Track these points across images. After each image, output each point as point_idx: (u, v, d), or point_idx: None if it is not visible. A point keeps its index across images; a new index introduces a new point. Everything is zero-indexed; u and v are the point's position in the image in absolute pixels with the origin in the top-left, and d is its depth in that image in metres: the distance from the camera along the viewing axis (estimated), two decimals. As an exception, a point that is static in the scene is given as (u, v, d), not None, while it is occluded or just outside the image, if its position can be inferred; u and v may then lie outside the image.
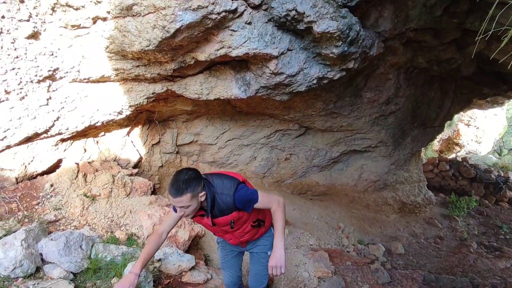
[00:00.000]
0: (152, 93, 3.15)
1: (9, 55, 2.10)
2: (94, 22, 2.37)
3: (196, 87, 3.20)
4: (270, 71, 2.86)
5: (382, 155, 6.09)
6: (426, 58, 4.36)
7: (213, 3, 2.22)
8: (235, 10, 2.37)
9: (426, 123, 6.04)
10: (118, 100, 3.00)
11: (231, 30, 2.52)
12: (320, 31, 2.49)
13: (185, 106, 3.93)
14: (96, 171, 3.06)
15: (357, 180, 6.44)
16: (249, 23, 2.49)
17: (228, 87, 3.14)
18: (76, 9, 2.25)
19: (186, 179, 1.66)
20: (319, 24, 2.47)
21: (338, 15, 2.46)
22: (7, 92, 2.22)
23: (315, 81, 3.08)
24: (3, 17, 2.01)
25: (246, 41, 2.55)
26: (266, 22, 2.55)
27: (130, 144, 3.88)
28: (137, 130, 4.03)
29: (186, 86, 3.22)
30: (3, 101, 2.26)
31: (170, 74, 2.93)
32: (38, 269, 1.92)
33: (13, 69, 2.18)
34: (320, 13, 2.43)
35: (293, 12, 2.43)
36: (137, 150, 4.01)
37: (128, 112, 3.15)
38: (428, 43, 3.96)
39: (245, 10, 2.41)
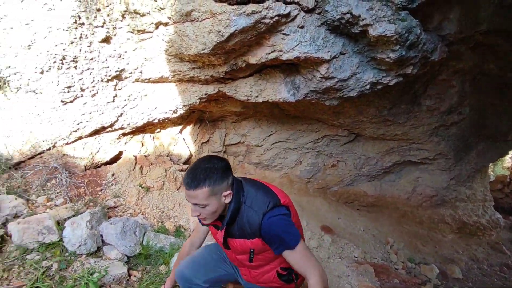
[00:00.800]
0: (205, 94, 3.31)
1: (85, 57, 2.39)
2: (157, 27, 2.58)
3: (246, 89, 3.28)
4: (321, 75, 2.82)
5: (440, 168, 5.59)
6: (498, 64, 3.91)
7: (266, 8, 2.27)
8: (288, 14, 2.39)
9: (496, 136, 5.40)
10: (173, 99, 3.21)
11: (283, 34, 2.54)
12: (376, 35, 2.39)
13: (234, 108, 4.05)
14: (151, 164, 3.31)
15: (410, 193, 6.00)
16: (302, 27, 2.49)
17: (277, 90, 3.17)
18: (142, 15, 2.47)
19: (207, 168, 1.26)
20: (375, 28, 2.37)
21: (396, 17, 2.33)
22: (82, 90, 2.53)
23: (368, 87, 2.95)
24: (83, 23, 2.28)
25: (297, 44, 2.55)
26: (319, 26, 2.52)
27: (182, 141, 4.11)
28: (188, 129, 4.26)
29: (237, 88, 3.32)
30: (78, 97, 2.57)
31: (222, 76, 3.05)
32: (98, 249, 2.13)
33: (88, 69, 2.47)
34: (376, 16, 2.33)
35: (348, 16, 2.36)
36: (188, 147, 4.24)
37: (182, 111, 3.35)
38: (501, 47, 3.55)
39: (298, 14, 2.41)
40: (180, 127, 4.03)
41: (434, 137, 4.83)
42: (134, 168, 3.17)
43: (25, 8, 2.07)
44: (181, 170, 3.50)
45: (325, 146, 5.07)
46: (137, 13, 2.45)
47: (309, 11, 2.45)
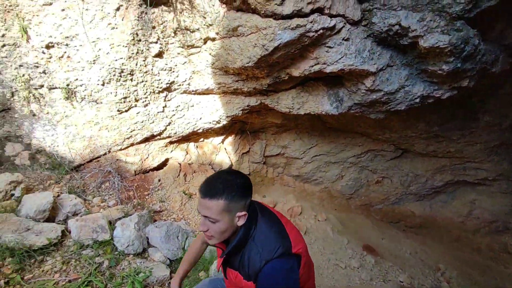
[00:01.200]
0: (247, 106, 3.39)
1: (140, 70, 2.60)
2: (205, 42, 2.72)
3: (288, 102, 3.30)
4: (366, 88, 2.74)
5: (502, 191, 5.04)
6: None
7: (311, 22, 2.29)
8: (333, 27, 2.38)
9: None
10: (217, 110, 3.33)
11: (327, 46, 2.53)
12: (428, 46, 2.27)
13: (276, 119, 4.08)
14: (194, 172, 3.45)
15: (465, 216, 5.47)
16: (347, 39, 2.46)
17: (320, 103, 3.14)
18: (192, 31, 2.63)
19: (228, 180, 1.17)
20: (426, 39, 2.26)
21: (451, 28, 2.20)
22: (136, 100, 2.74)
23: (417, 100, 2.80)
24: (140, 40, 2.50)
25: (342, 57, 2.52)
26: (365, 38, 2.48)
27: (224, 151, 4.23)
28: (230, 139, 4.38)
29: (279, 100, 3.35)
30: (132, 107, 2.79)
31: (264, 88, 3.11)
32: (144, 250, 2.26)
33: (142, 81, 2.68)
34: (428, 27, 2.23)
35: (396, 27, 2.29)
36: (229, 157, 4.34)
37: (225, 122, 3.46)
38: None
39: (343, 26, 2.40)
40: (222, 137, 4.15)
41: (494, 156, 4.39)
42: (179, 175, 3.33)
43: (93, 27, 2.33)
44: (222, 179, 3.59)
45: (369, 161, 4.87)
46: (187, 29, 2.61)
47: (354, 23, 2.43)
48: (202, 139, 3.92)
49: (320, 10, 2.31)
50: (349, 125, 4.09)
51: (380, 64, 2.57)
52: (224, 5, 2.47)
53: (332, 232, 4.00)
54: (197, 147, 3.88)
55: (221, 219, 1.15)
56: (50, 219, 2.15)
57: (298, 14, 2.30)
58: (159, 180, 3.18)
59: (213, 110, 3.30)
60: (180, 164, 3.50)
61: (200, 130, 3.40)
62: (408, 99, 2.80)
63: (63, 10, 2.25)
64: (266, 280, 1.15)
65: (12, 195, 2.22)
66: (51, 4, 2.25)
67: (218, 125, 3.47)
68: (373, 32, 2.42)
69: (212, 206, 1.13)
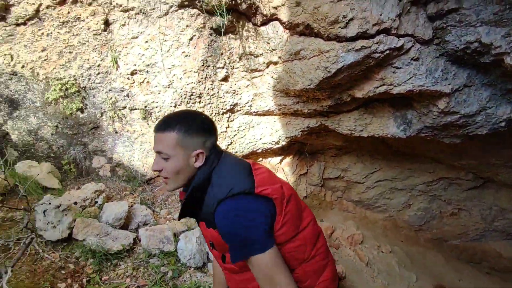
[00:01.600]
0: (307, 127, 3.38)
1: (208, 93, 2.80)
2: (267, 66, 2.83)
3: (349, 123, 3.20)
4: (439, 110, 2.53)
5: None
6: None
7: (377, 43, 2.23)
8: (401, 47, 2.28)
9: None
10: (277, 131, 3.39)
11: (394, 67, 2.43)
12: (515, 63, 2.03)
13: (335, 141, 3.97)
14: (252, 191, 3.51)
15: None
16: (416, 59, 2.33)
17: (385, 125, 2.98)
18: (256, 56, 2.77)
19: (185, 115, 1.11)
20: (513, 55, 2.02)
21: (546, 42, 1.94)
22: (202, 121, 2.95)
23: (503, 124, 2.48)
24: (208, 66, 2.71)
25: (411, 78, 2.38)
26: (437, 57, 2.32)
27: (281, 172, 4.24)
28: (288, 160, 4.37)
29: (339, 122, 3.27)
30: (199, 127, 3.00)
31: (325, 110, 3.08)
32: (204, 265, 2.34)
33: (209, 103, 2.88)
34: (516, 43, 2.00)
35: (475, 44, 2.10)
36: (286, 178, 4.32)
37: (284, 143, 3.49)
38: None
39: (412, 46, 2.28)
40: (281, 157, 4.18)
41: None
42: (237, 193, 3.42)
43: (170, 56, 2.61)
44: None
45: (442, 190, 4.38)
46: (252, 54, 2.76)
47: (425, 42, 2.29)
48: (260, 159, 3.99)
49: (386, 31, 2.24)
50: (418, 149, 3.77)
51: (456, 85, 2.36)
52: (287, 31, 2.56)
53: (398, 267, 3.64)
54: (255, 166, 3.97)
55: (174, 155, 1.04)
56: (124, 226, 2.38)
57: (363, 35, 2.26)
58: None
59: (273, 131, 3.37)
60: (239, 182, 3.59)
61: (260, 150, 3.48)
62: (491, 122, 2.50)
63: (146, 42, 2.57)
64: (219, 222, 1.00)
65: (96, 202, 2.53)
66: (137, 37, 2.60)
67: (277, 146, 3.51)
68: (447, 51, 2.25)
69: (164, 138, 1.04)
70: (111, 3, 2.49)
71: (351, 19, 2.22)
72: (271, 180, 1.12)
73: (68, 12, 2.54)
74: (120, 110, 2.98)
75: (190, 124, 1.05)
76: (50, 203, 2.06)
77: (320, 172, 4.50)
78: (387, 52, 2.27)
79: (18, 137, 3.13)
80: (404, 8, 2.22)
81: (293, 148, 4.23)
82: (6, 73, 2.87)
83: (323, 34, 2.36)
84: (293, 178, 4.41)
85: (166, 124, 1.05)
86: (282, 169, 4.28)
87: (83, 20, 2.57)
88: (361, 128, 3.19)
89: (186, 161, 1.05)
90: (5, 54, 2.77)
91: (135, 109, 2.95)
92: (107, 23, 2.58)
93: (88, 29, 2.58)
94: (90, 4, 2.51)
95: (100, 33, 2.60)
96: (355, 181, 4.49)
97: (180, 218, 1.16)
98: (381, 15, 2.19)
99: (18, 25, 2.67)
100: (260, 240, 0.98)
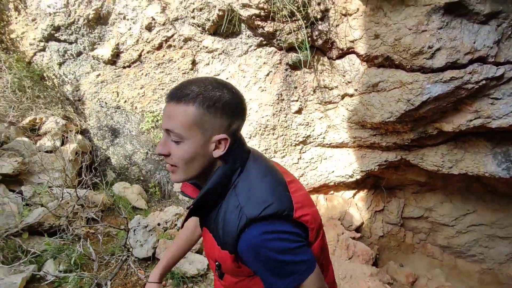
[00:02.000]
0: (385, 161, 3.16)
1: (281, 125, 2.86)
2: (342, 98, 2.79)
3: (435, 159, 2.89)
4: (555, 147, 2.12)
5: None
6: None
7: (470, 73, 2.03)
8: (501, 77, 2.03)
9: None
10: (351, 164, 3.24)
11: (492, 98, 2.16)
12: None
13: (417, 177, 3.60)
14: (323, 226, 3.36)
15: None
16: (522, 89, 2.03)
17: (481, 162, 2.60)
18: (330, 89, 2.76)
19: (209, 84, 0.76)
20: None
21: None
22: (275, 152, 3.00)
23: None
24: (283, 99, 2.80)
25: (515, 110, 2.08)
26: (552, 86, 1.98)
27: (354, 207, 3.98)
28: (362, 194, 4.10)
29: (423, 157, 2.98)
30: (271, 157, 3.06)
31: (406, 143, 2.85)
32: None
33: (282, 135, 2.93)
34: None
35: None
36: (360, 214, 4.04)
37: (358, 177, 3.30)
38: None
39: (516, 75, 2.01)
40: (354, 191, 3.95)
41: None
42: (307, 226, 3.31)
43: (247, 91, 2.78)
44: (353, 238, 3.35)
45: (561, 243, 3.55)
46: (326, 87, 2.76)
47: (534, 70, 1.99)
48: (332, 192, 3.84)
49: (481, 59, 2.03)
50: (526, 191, 3.17)
51: None
52: (364, 63, 2.51)
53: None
54: (326, 199, 3.82)
55: (189, 137, 0.75)
56: (199, 251, 2.49)
57: (453, 65, 2.08)
58: (288, 229, 3.25)
59: (347, 164, 3.23)
60: (309, 215, 3.49)
61: (332, 183, 3.36)
62: None
63: (227, 78, 2.80)
64: (248, 254, 0.76)
65: (175, 225, 2.73)
66: (219, 74, 2.85)
67: (350, 179, 3.35)
68: None
69: (177, 113, 0.74)
70: (198, 46, 2.80)
71: (438, 49, 2.07)
72: (309, 200, 0.88)
73: (163, 55, 2.94)
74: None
75: (217, 98, 0.74)
76: (139, 223, 2.29)
77: (399, 210, 4.10)
78: (483, 82, 2.04)
79: (116, 161, 3.63)
80: (504, 34, 1.99)
81: (368, 182, 3.97)
82: (112, 107, 3.42)
83: (405, 66, 2.25)
84: (367, 214, 4.10)
85: (184, 93, 0.74)
86: (356, 204, 4.03)
87: (174, 62, 2.94)
88: (451, 165, 2.84)
89: (203, 148, 0.77)
90: (113, 92, 3.31)
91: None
92: (193, 63, 2.90)
93: (178, 69, 2.93)
94: (181, 48, 2.88)
95: (188, 72, 2.93)
96: (443, 223, 3.95)
97: (182, 225, 0.96)
98: (474, 43, 2.00)
99: (124, 67, 3.19)
100: (305, 257, 0.77)
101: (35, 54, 3.33)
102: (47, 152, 3.13)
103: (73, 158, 3.16)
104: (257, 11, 2.30)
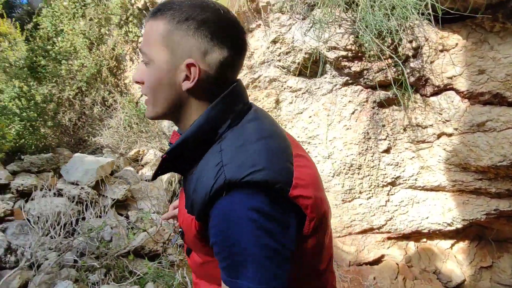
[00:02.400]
0: (494, 210, 2.69)
1: (368, 165, 2.73)
2: (438, 137, 2.54)
3: None
4: None
5: None
6: None
7: None
8: None
9: None
10: (449, 211, 2.85)
11: None
12: None
13: (541, 231, 2.95)
14: (415, 278, 2.97)
15: None
16: None
17: None
18: (424, 127, 2.54)
19: (186, 1, 0.63)
20: None
21: None
22: (360, 192, 2.85)
23: None
24: (369, 138, 2.68)
25: None
26: None
27: (453, 260, 3.43)
28: (462, 245, 3.52)
29: (549, 208, 2.45)
30: (356, 198, 2.91)
31: (525, 191, 2.40)
32: None
33: (368, 175, 2.78)
34: None
35: None
36: (460, 268, 3.45)
37: (459, 226, 2.88)
38: None
39: None
40: (452, 241, 3.42)
41: None
42: (396, 277, 2.97)
43: (331, 129, 2.76)
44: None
45: None
46: (419, 125, 2.56)
47: None
48: (424, 240, 3.40)
49: None
50: None
51: None
52: (466, 100, 2.27)
53: None
54: (417, 247, 3.39)
55: (155, 59, 0.63)
56: None
57: None
58: (374, 278, 2.96)
59: (444, 210, 2.86)
60: (397, 264, 3.14)
61: (425, 231, 2.99)
62: None
63: (310, 117, 2.84)
64: (217, 224, 0.58)
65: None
66: (301, 113, 2.91)
67: (449, 228, 2.94)
68: None
69: (149, 30, 0.64)
70: (282, 86, 2.94)
71: None
72: (316, 182, 0.69)
73: (249, 95, 3.16)
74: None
75: (192, 14, 0.61)
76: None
77: (514, 269, 3.38)
78: None
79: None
80: None
81: (470, 231, 3.41)
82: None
83: (522, 103, 1.96)
84: (470, 270, 3.48)
85: (159, 8, 0.64)
86: (454, 256, 3.47)
87: (259, 101, 3.12)
88: None
89: (169, 74, 0.64)
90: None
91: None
92: (277, 102, 3.04)
93: (263, 107, 3.10)
94: (265, 88, 3.05)
95: (271, 110, 3.07)
96: None
97: (155, 177, 0.73)
98: None
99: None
100: (279, 272, 0.57)
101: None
102: (146, 180, 3.58)
103: (166, 187, 3.53)
104: (344, 53, 2.33)
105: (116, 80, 3.49)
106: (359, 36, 2.27)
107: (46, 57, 3.17)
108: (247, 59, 2.98)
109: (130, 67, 3.70)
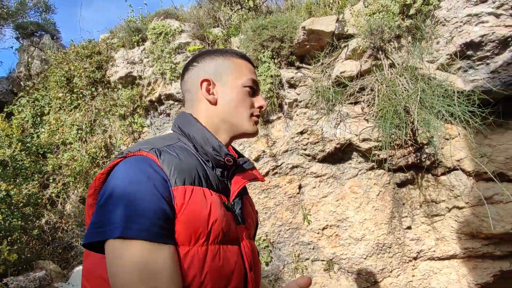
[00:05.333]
0: (498, 271, 3.05)
1: (396, 243, 2.87)
2: (449, 211, 2.89)
3: (555, 265, 2.82)
4: None
5: None
6: None
7: None
8: None
9: None
10: (463, 276, 3.11)
11: None
12: None
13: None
14: None
15: None
16: None
17: None
18: (437, 203, 2.89)
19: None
20: None
21: None
22: (390, 271, 2.91)
23: None
24: (394, 217, 2.89)
25: None
26: None
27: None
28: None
29: (539, 263, 2.91)
30: (386, 277, 2.95)
31: (523, 251, 2.83)
32: None
33: (396, 253, 2.90)
34: None
35: None
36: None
37: (473, 290, 3.12)
38: None
39: None
40: (457, 305, 3.64)
41: None
42: None
43: (361, 211, 2.89)
44: None
45: None
46: (433, 201, 2.90)
47: None
48: (437, 308, 3.54)
49: None
50: None
51: None
52: (470, 178, 2.72)
53: None
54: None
55: None
56: None
57: None
58: None
59: (459, 277, 3.10)
60: None
61: (448, 300, 3.14)
62: None
63: (337, 200, 2.94)
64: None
65: None
66: (326, 196, 3.01)
67: (465, 294, 3.15)
68: None
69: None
70: (305, 172, 3.05)
71: (555, 165, 2.31)
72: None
73: (269, 182, 3.15)
74: (302, 261, 3.16)
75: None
76: None
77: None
78: None
79: None
80: None
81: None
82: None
83: (522, 180, 2.45)
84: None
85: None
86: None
87: (280, 187, 3.13)
88: None
89: None
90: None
91: (318, 260, 3.11)
92: (300, 187, 3.10)
93: (285, 193, 3.10)
94: (287, 174, 3.11)
95: (295, 196, 3.09)
96: None
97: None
98: None
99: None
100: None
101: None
102: None
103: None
104: (376, 143, 2.62)
105: (105, 171, 3.08)
106: (384, 130, 2.62)
107: (24, 150, 2.64)
108: (269, 147, 3.05)
109: (127, 157, 3.35)
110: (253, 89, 0.87)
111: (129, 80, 3.53)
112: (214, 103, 0.84)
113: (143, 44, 3.65)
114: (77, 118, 3.08)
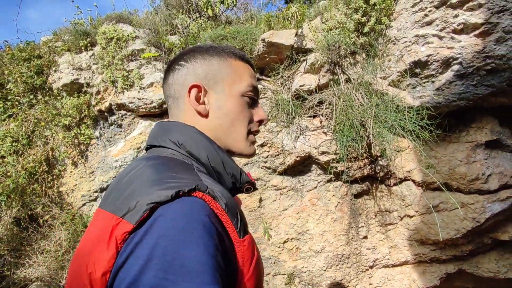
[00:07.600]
0: (444, 274, 3.26)
1: (354, 253, 2.93)
2: (401, 219, 3.04)
3: (490, 265, 3.09)
4: None
5: None
6: None
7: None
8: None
9: None
10: (414, 281, 3.27)
11: (541, 209, 2.57)
12: None
13: (465, 283, 3.70)
14: None
15: None
16: None
17: (541, 266, 2.86)
18: (391, 212, 3.02)
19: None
20: None
21: None
22: (349, 282, 2.96)
23: None
24: (352, 227, 2.95)
25: None
26: None
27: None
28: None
29: (478, 265, 3.17)
30: (346, 287, 2.99)
31: (464, 254, 3.06)
32: None
33: (354, 263, 2.96)
34: None
35: None
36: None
37: (424, 294, 3.30)
38: None
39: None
40: (408, 309, 3.83)
41: None
42: None
43: (320, 223, 2.91)
44: None
45: None
46: (387, 211, 3.03)
47: None
48: (391, 314, 3.68)
49: (527, 181, 2.50)
50: None
51: None
52: (419, 188, 2.89)
53: None
54: (387, 323, 3.61)
55: None
56: None
57: (505, 186, 2.53)
58: None
59: (411, 281, 3.26)
60: None
61: (402, 306, 3.27)
62: None
63: (297, 213, 2.94)
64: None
65: None
66: (287, 209, 2.98)
67: (416, 298, 3.31)
68: None
69: None
70: (265, 185, 3.01)
71: (490, 175, 2.54)
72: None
73: (229, 196, 3.05)
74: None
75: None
76: None
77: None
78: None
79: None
80: (534, 160, 2.54)
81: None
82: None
83: (463, 189, 2.65)
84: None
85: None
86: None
87: (243, 199, 3.04)
88: (506, 270, 3.05)
89: None
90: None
91: (279, 274, 3.06)
92: (260, 200, 3.04)
93: (245, 207, 3.02)
94: (247, 187, 3.04)
95: (255, 209, 3.02)
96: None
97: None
98: (516, 169, 2.51)
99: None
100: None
101: (84, 204, 3.20)
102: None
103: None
104: (334, 156, 2.66)
105: (45, 188, 2.72)
106: (340, 143, 2.69)
107: None
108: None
109: (71, 172, 3.01)
110: (253, 99, 0.73)
111: (75, 88, 3.22)
112: (205, 115, 0.69)
113: (92, 49, 3.37)
114: (11, 128, 2.71)
